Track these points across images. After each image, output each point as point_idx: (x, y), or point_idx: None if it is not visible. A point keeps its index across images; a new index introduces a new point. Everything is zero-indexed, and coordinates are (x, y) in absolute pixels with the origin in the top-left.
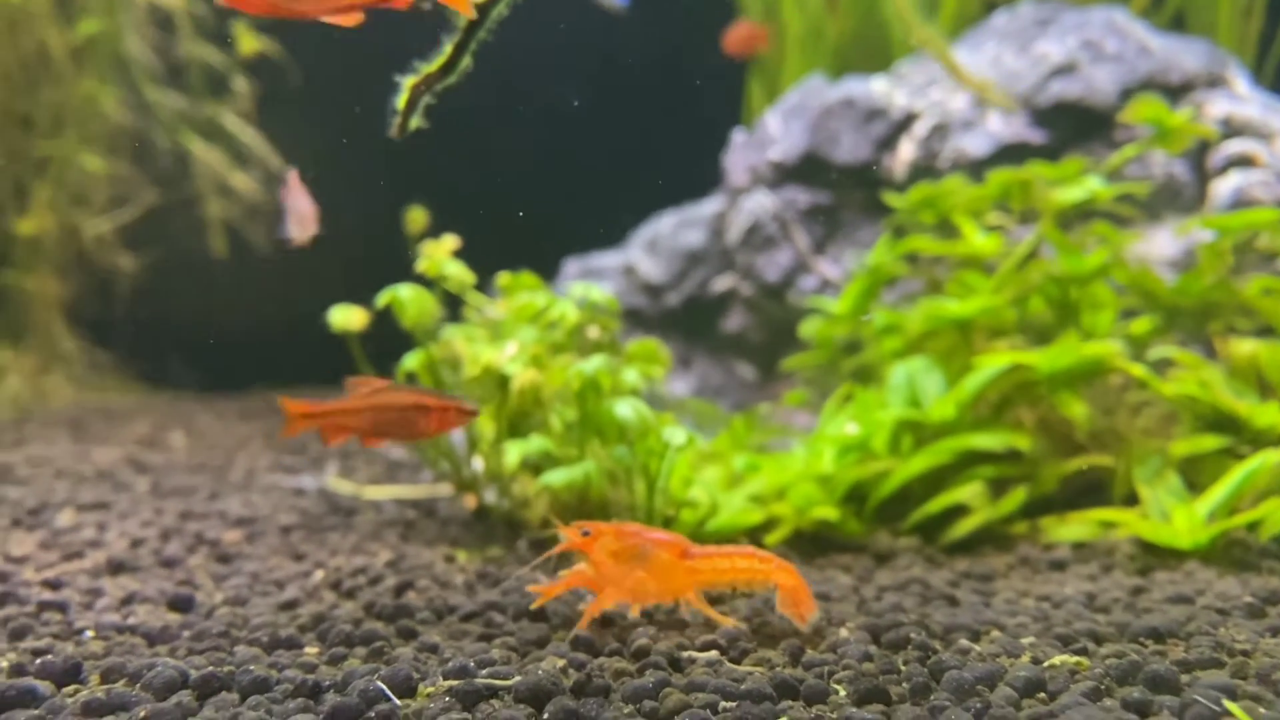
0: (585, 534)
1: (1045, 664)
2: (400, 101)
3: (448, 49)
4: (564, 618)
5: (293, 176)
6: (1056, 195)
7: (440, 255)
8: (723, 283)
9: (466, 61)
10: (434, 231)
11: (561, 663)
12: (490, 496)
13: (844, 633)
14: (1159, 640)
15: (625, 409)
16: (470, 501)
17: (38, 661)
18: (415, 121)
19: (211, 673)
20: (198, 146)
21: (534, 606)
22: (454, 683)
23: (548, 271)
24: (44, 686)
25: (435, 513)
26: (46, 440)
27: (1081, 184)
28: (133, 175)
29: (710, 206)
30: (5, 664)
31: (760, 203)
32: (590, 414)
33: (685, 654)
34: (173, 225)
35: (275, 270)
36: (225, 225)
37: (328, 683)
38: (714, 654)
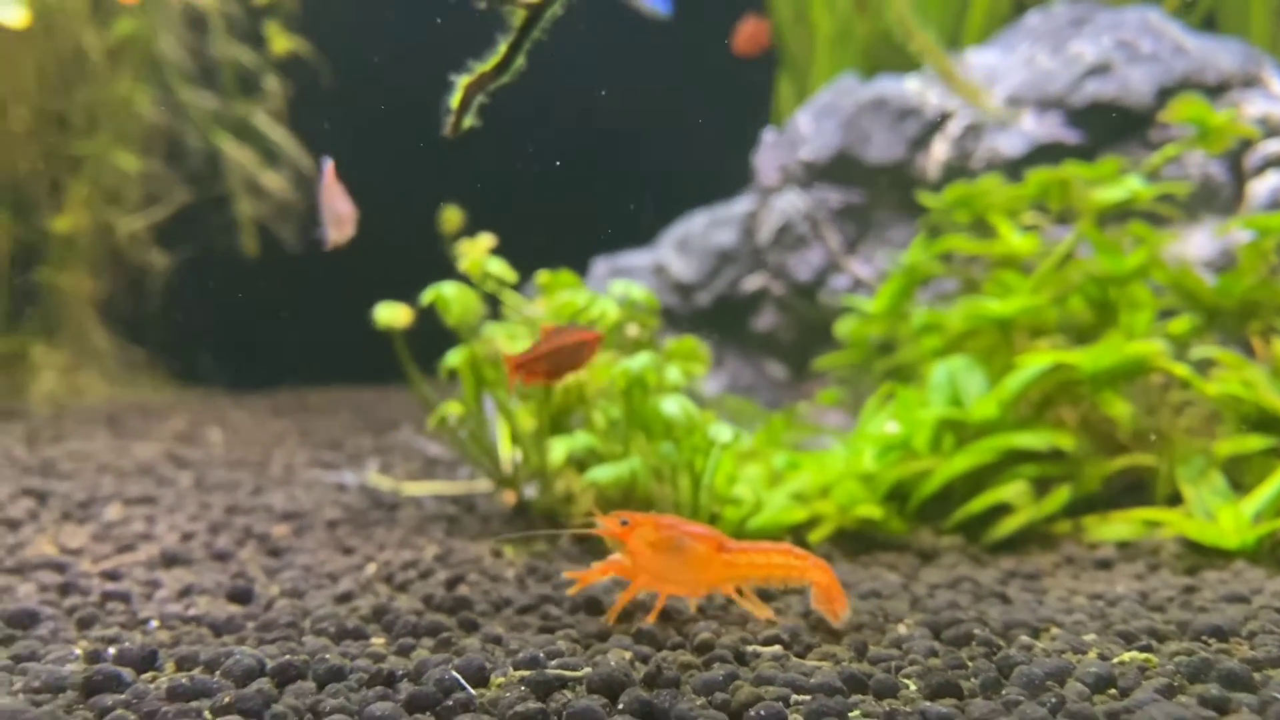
0: (624, 524)
1: (1114, 660)
2: (454, 101)
3: (502, 48)
4: (623, 611)
5: (329, 171)
6: (1097, 195)
7: (479, 254)
8: (753, 282)
9: (520, 61)
10: (464, 230)
11: (628, 655)
12: (530, 492)
13: (903, 629)
14: (1222, 639)
15: (672, 406)
16: (510, 497)
17: (111, 650)
18: (469, 121)
19: (288, 661)
20: (229, 146)
21: (571, 592)
22: (526, 673)
23: (576, 271)
24: (126, 673)
25: (475, 508)
26: (86, 436)
27: (1122, 184)
28: (165, 174)
29: (741, 206)
30: (80, 651)
31: (792, 202)
32: (636, 411)
33: (749, 648)
34: (204, 224)
35: (305, 268)
36: (256, 224)
37: (401, 672)
38: (777, 648)
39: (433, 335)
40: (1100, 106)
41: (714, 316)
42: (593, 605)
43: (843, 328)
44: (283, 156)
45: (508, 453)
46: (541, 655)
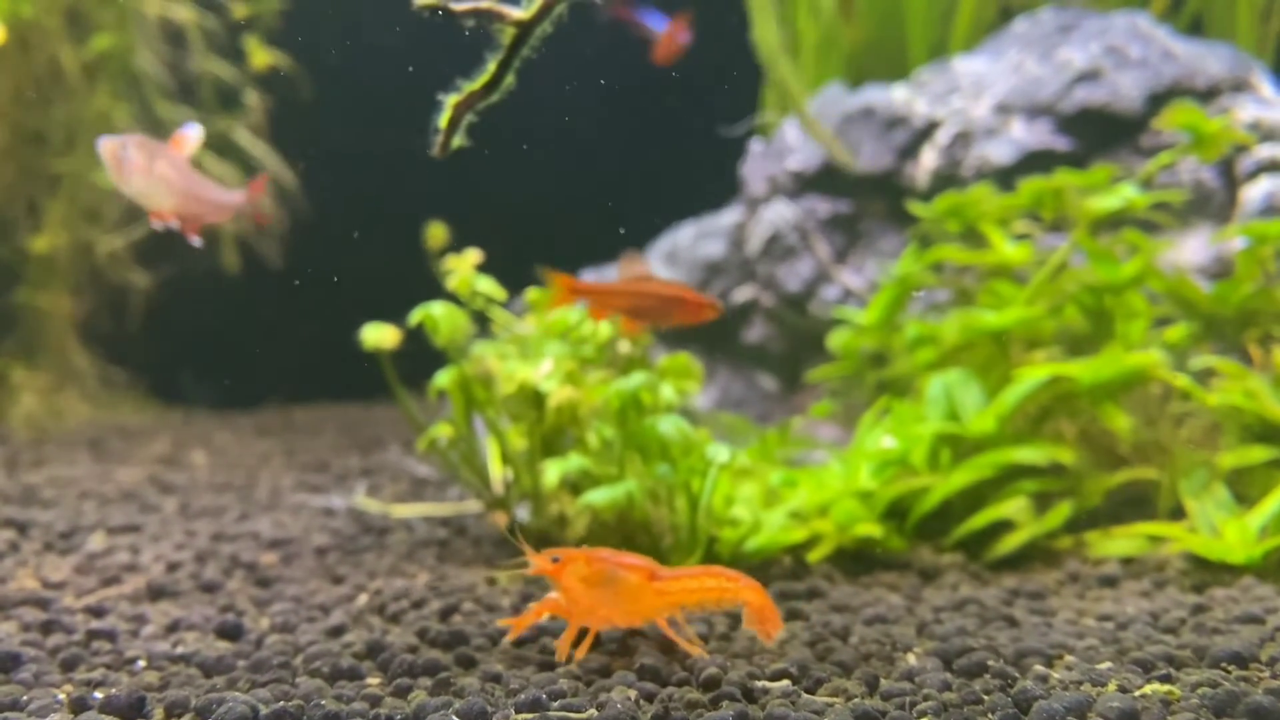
0: (555, 560)
1: (1136, 693)
2: (443, 120)
3: (491, 66)
4: (619, 643)
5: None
6: (1092, 204)
7: (467, 271)
8: (743, 293)
9: (510, 79)
10: (448, 246)
11: (632, 693)
12: (522, 514)
13: (912, 659)
14: (1242, 665)
15: (668, 426)
16: (501, 520)
17: (97, 694)
18: (457, 140)
19: (282, 708)
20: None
21: (508, 640)
22: (529, 716)
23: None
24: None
25: (466, 531)
26: (67, 460)
27: (1117, 192)
28: None
29: (729, 217)
30: (64, 696)
31: (780, 212)
32: (631, 431)
33: (758, 684)
34: (184, 241)
35: (287, 285)
36: (237, 240)
37: (400, 716)
38: (786, 683)
39: (417, 352)
40: (1090, 113)
41: (703, 329)
42: (594, 640)
43: (835, 340)
44: (263, 172)
45: (498, 474)
46: (544, 696)
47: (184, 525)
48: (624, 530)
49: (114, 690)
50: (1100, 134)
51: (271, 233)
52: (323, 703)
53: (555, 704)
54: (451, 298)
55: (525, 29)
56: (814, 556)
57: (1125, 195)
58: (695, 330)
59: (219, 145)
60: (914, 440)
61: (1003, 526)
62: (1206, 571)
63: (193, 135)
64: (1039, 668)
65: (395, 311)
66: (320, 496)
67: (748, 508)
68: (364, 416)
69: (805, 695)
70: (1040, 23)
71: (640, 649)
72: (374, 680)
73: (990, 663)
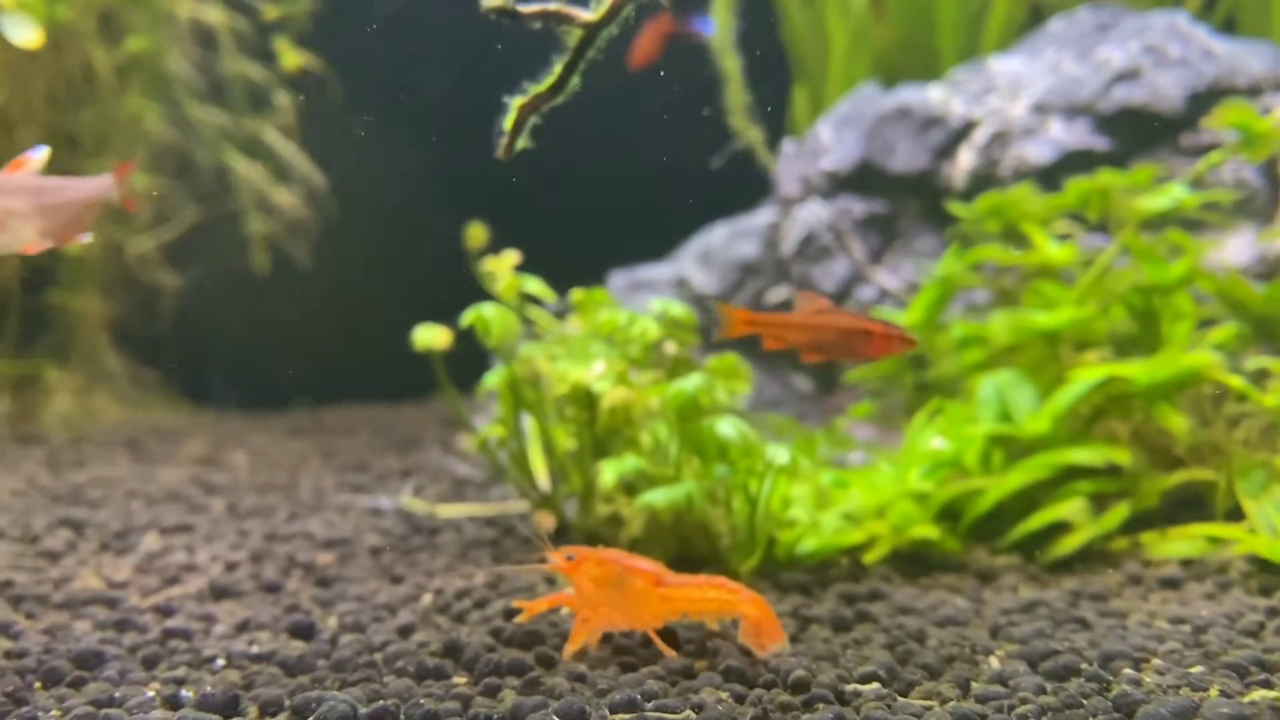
0: (569, 559)
1: (1245, 700)
2: (507, 122)
3: (557, 69)
4: (698, 644)
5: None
6: (1141, 203)
7: (506, 271)
8: (778, 294)
9: (574, 81)
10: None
11: (724, 695)
12: (572, 515)
13: (994, 662)
14: None
15: (728, 428)
16: (548, 520)
17: (186, 693)
18: (521, 142)
19: (382, 707)
20: (239, 163)
21: (519, 620)
22: (625, 716)
23: (590, 285)
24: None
25: (514, 531)
26: (107, 460)
27: (1166, 192)
28: (174, 192)
29: (763, 217)
30: (153, 693)
31: (815, 213)
32: (690, 433)
33: (848, 687)
34: (214, 242)
35: (317, 286)
36: (267, 241)
37: (497, 716)
38: (876, 686)
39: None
40: (1129, 113)
41: None
42: (668, 638)
43: None
44: (293, 173)
45: (544, 474)
46: (638, 696)
47: (235, 525)
48: (680, 531)
49: (208, 688)
50: (1140, 134)
51: (301, 233)
52: (421, 701)
53: (649, 705)
54: (486, 297)
55: (592, 31)
56: (870, 558)
57: (1175, 195)
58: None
59: (249, 146)
60: (966, 441)
61: (1058, 528)
62: (1272, 575)
63: (36, 157)
64: (1128, 671)
65: (423, 311)
66: (367, 497)
67: (804, 509)
68: (393, 417)
69: (900, 699)
70: (1077, 22)
71: (722, 651)
72: (460, 679)
73: (1083, 666)
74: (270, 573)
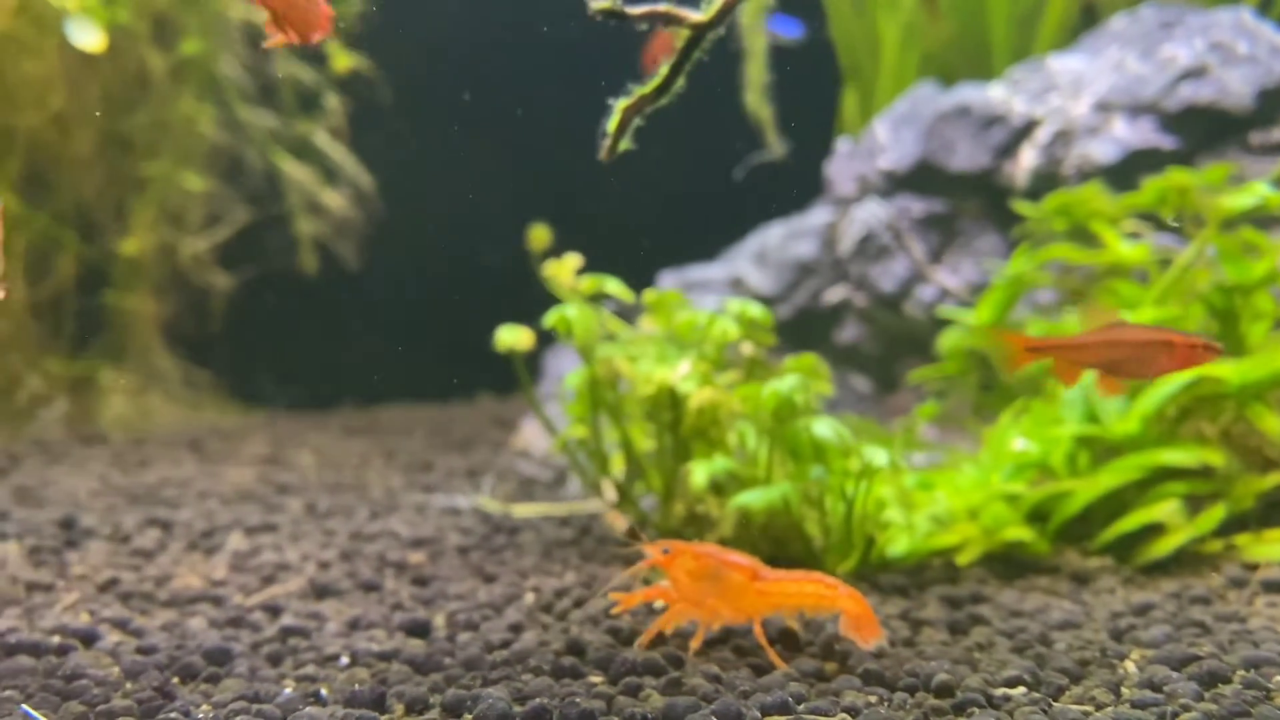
0: (665, 552)
1: None
2: (611, 124)
3: (663, 70)
4: (821, 645)
5: None
6: (1224, 202)
7: (568, 274)
8: (835, 294)
9: (680, 82)
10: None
11: (871, 698)
12: (653, 515)
13: (1131, 666)
14: None
15: (825, 429)
16: (619, 520)
17: (322, 691)
18: (624, 144)
19: (540, 705)
20: (288, 164)
21: (615, 612)
22: (779, 719)
23: (639, 284)
24: (368, 714)
25: (591, 530)
26: (172, 461)
27: (1251, 190)
28: (226, 194)
29: (818, 217)
30: (290, 689)
31: (873, 212)
32: (785, 434)
33: (997, 691)
34: (263, 243)
35: (365, 287)
36: (315, 242)
37: (651, 715)
38: (1023, 690)
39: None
40: (1196, 111)
41: (795, 330)
42: (789, 639)
43: (945, 340)
44: (342, 175)
45: (619, 475)
46: (789, 699)
47: (318, 525)
48: (772, 533)
49: (355, 685)
50: (1207, 132)
51: (350, 234)
52: (576, 700)
53: (801, 707)
54: (536, 297)
55: (700, 32)
56: (963, 560)
57: (1260, 193)
58: (785, 331)
59: (298, 148)
60: (1052, 442)
61: (1150, 530)
62: None
63: None
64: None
65: (470, 313)
66: (441, 496)
67: (898, 511)
68: (445, 417)
69: (1054, 703)
70: (1140, 20)
71: (852, 654)
72: (596, 679)
73: (1233, 673)
74: (366, 572)
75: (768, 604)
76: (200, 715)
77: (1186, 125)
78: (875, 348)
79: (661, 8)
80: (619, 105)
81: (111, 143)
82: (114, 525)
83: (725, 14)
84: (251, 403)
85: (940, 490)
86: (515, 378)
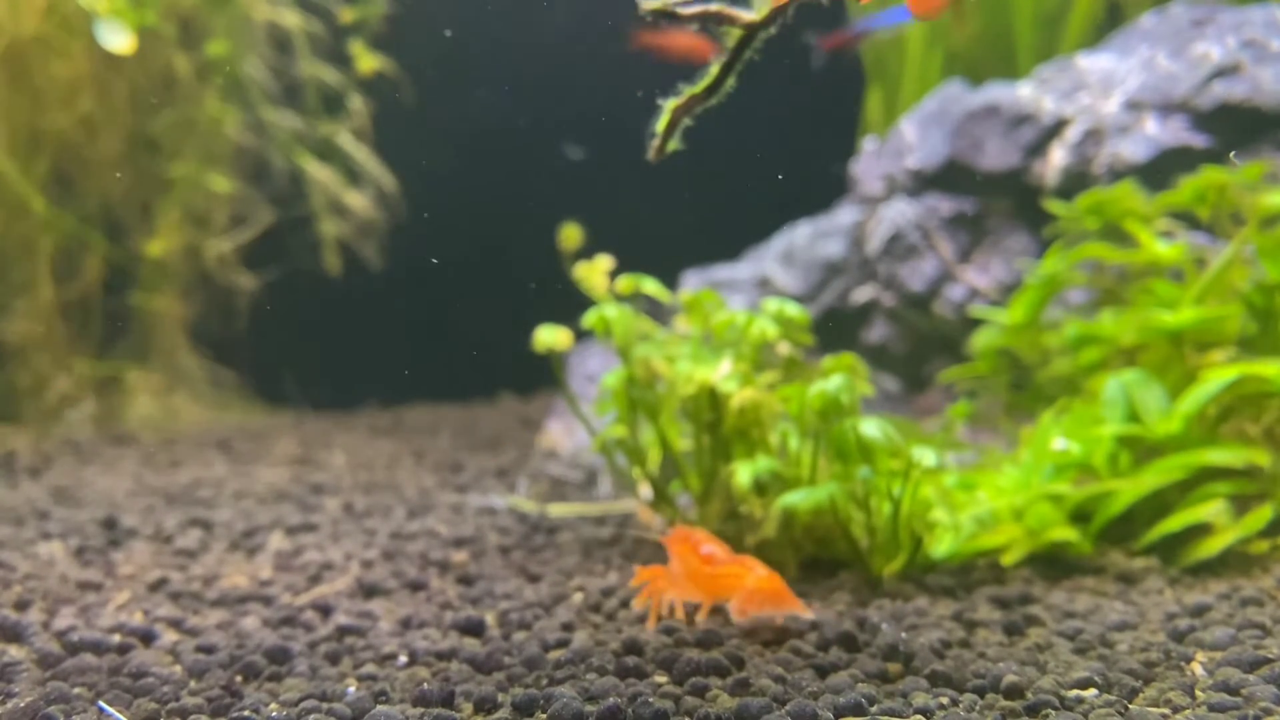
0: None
1: None
2: (660, 124)
3: (713, 70)
4: (878, 646)
5: None
6: (1267, 200)
7: (600, 276)
8: (864, 293)
9: (731, 82)
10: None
11: (944, 699)
12: (689, 514)
13: (1198, 668)
14: None
15: (873, 429)
16: (658, 520)
17: (383, 689)
18: (673, 144)
19: (614, 705)
20: (312, 165)
21: (636, 607)
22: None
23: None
24: (448, 713)
25: (628, 530)
26: (202, 461)
27: None
28: (250, 195)
29: (846, 216)
30: (353, 687)
31: (901, 211)
32: (832, 434)
33: (1070, 693)
34: (288, 244)
35: (388, 288)
36: (339, 243)
37: (727, 715)
38: (1094, 692)
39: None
40: (1229, 109)
41: (823, 329)
42: (849, 641)
43: (978, 340)
44: (366, 176)
45: (656, 474)
46: (862, 700)
47: (358, 525)
48: (816, 533)
49: (424, 686)
50: (1240, 130)
51: (373, 235)
52: (650, 700)
53: (874, 708)
54: (558, 297)
55: (753, 32)
56: (1008, 560)
57: None
58: (814, 330)
59: (322, 150)
60: (1094, 442)
61: (1194, 530)
62: None
63: None
64: None
65: (492, 314)
66: (477, 496)
67: (944, 511)
68: (470, 417)
69: (1131, 705)
70: (1171, 18)
71: (917, 655)
72: (661, 678)
73: None
74: (411, 571)
75: (720, 587)
76: (271, 714)
77: (1219, 124)
78: (903, 347)
79: (714, 7)
80: (668, 105)
81: (138, 144)
82: (155, 525)
83: (778, 15)
84: (277, 403)
85: (982, 490)
86: (536, 378)
